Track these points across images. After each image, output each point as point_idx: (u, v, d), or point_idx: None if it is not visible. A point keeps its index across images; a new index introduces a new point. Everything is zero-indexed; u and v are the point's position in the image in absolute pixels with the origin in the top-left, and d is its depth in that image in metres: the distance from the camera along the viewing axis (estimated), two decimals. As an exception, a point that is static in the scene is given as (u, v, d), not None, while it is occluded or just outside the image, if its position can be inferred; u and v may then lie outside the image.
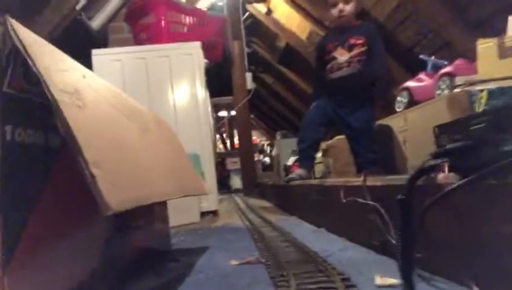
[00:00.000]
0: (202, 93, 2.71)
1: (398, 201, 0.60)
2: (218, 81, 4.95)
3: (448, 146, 0.57)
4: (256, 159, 8.85)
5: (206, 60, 2.77)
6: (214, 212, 2.61)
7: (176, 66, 2.64)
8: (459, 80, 2.49)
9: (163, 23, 2.89)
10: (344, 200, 1.14)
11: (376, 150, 2.17)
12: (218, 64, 4.69)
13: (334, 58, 2.18)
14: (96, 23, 3.29)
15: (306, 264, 0.89)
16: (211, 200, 2.64)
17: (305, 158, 2.21)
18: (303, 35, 5.00)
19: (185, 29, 3.21)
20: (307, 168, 2.21)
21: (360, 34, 2.14)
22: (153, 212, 1.03)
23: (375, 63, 2.12)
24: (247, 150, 4.67)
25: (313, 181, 1.67)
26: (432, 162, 0.60)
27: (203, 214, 2.55)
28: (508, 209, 0.51)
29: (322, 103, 2.23)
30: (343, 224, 1.28)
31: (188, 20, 3.25)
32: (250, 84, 4.39)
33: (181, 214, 2.24)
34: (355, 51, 2.13)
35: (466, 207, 0.59)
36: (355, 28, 2.20)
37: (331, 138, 3.45)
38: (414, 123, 2.75)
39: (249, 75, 4.42)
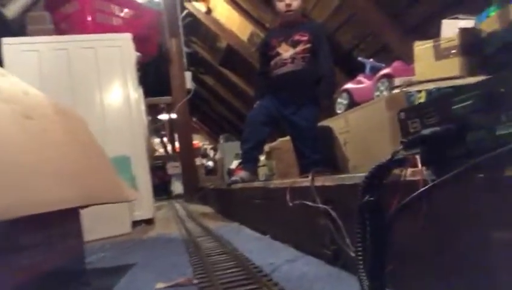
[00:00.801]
0: (134, 89, 2.47)
1: (364, 204, 0.48)
2: (157, 80, 4.68)
3: (424, 132, 0.46)
4: (199, 163, 8.63)
5: (138, 54, 2.53)
6: (149, 221, 2.38)
7: (103, 59, 2.38)
8: (397, 81, 2.53)
9: (87, 11, 2.59)
10: (291, 204, 1.01)
11: (320, 150, 2.09)
12: (156, 62, 4.43)
13: (278, 54, 2.08)
14: (10, 10, 2.89)
15: (247, 284, 0.74)
16: (146, 207, 2.40)
17: (249, 160, 2.08)
18: (244, 36, 4.91)
19: (115, 20, 2.94)
20: (251, 170, 2.07)
21: (305, 30, 2.06)
22: (55, 226, 0.82)
23: (320, 61, 2.05)
24: (188, 153, 4.44)
25: (256, 183, 1.54)
26: (405, 153, 0.48)
27: (136, 224, 2.31)
28: (501, 212, 0.40)
29: (266, 102, 2.11)
30: (291, 230, 1.15)
31: (118, 10, 2.99)
32: (189, 83, 4.19)
33: (108, 225, 1.99)
34: (300, 48, 2.04)
35: (444, 209, 0.47)
36: (301, 24, 2.12)
37: (274, 139, 3.38)
38: (355, 124, 2.75)
39: (188, 74, 4.21)
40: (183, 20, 5.17)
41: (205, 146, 10.93)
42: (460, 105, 0.42)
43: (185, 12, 5.30)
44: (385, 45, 3.34)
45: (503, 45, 1.97)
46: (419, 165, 0.47)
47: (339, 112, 3.08)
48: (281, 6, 2.05)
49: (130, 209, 2.23)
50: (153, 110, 7.60)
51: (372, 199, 0.49)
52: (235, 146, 4.46)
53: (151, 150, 6.57)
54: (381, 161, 0.53)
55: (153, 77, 4.91)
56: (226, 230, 1.56)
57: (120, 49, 2.46)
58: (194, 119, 11.15)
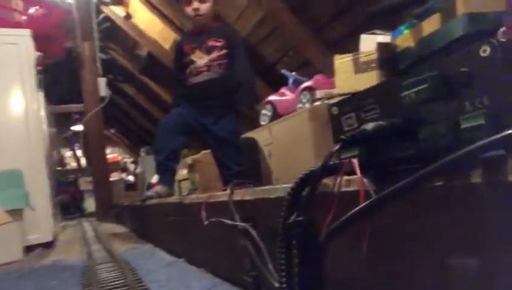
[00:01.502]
0: (33, 94, 2.14)
1: (290, 224, 0.35)
2: (71, 86, 4.24)
3: (365, 126, 0.35)
4: (118, 178, 8.07)
5: (39, 53, 2.22)
6: (48, 245, 2.05)
7: (-4, 56, 2.05)
8: (318, 93, 2.56)
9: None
10: (206, 222, 0.87)
11: (242, 162, 1.98)
12: (70, 67, 4.02)
13: (193, 61, 1.94)
14: None
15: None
16: (44, 229, 2.07)
17: (164, 172, 1.88)
18: (166, 44, 4.70)
19: (17, 16, 2.60)
20: (167, 184, 1.87)
21: (219, 36, 1.95)
22: None
23: (237, 68, 1.94)
24: (100, 166, 4.05)
25: (171, 199, 1.36)
26: (340, 157, 0.37)
27: (32, 248, 1.97)
28: (468, 231, 0.30)
29: (182, 109, 1.95)
30: (208, 253, 1.00)
31: (22, 6, 2.64)
32: (104, 90, 3.85)
33: (-9, 252, 1.65)
34: (215, 54, 1.92)
35: (393, 230, 0.37)
36: (214, 29, 2.00)
37: (198, 152, 3.22)
38: (278, 136, 2.72)
39: (102, 80, 3.87)
40: (100, 25, 4.83)
41: (125, 159, 10.32)
42: (410, 91, 0.32)
43: (102, 16, 4.95)
44: (307, 59, 3.40)
45: (415, 60, 2.07)
46: (358, 171, 0.36)
47: (263, 123, 3.04)
48: (189, 11, 1.92)
49: (23, 233, 1.89)
50: (65, 119, 6.93)
51: (300, 217, 0.37)
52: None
53: (56, 163, 5.97)
54: (312, 168, 0.41)
55: (67, 83, 4.46)
56: (135, 254, 1.36)
57: (17, 47, 2.12)
58: (113, 131, 10.50)
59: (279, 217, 0.45)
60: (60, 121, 5.79)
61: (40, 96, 2.32)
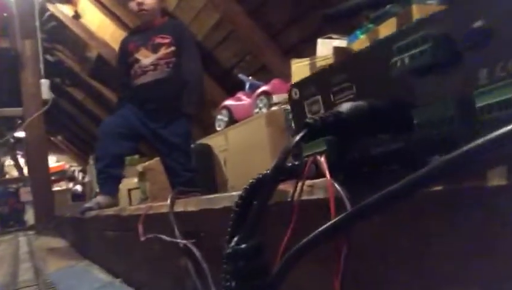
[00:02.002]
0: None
1: (233, 254, 0.25)
2: (13, 89, 3.87)
3: (341, 108, 0.25)
4: (65, 187, 7.61)
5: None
6: (-32, 266, 1.79)
7: None
8: (275, 98, 2.50)
9: None
10: (142, 238, 0.74)
11: (193, 168, 1.85)
12: (11, 68, 3.68)
13: (137, 60, 1.78)
14: None
15: None
16: (-37, 247, 1.80)
17: (105, 180, 1.70)
18: (118, 46, 4.47)
19: None
20: (110, 194, 1.69)
21: (166, 32, 1.81)
22: None
23: (184, 66, 1.80)
24: (41, 175, 3.71)
25: (109, 211, 1.20)
26: (301, 155, 0.27)
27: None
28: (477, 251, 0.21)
29: (127, 110, 1.78)
30: (147, 273, 0.87)
31: None
32: (46, 93, 3.55)
33: None
34: (162, 52, 1.77)
35: (377, 253, 0.27)
36: (160, 25, 1.86)
37: (151, 158, 3.04)
38: (234, 142, 2.62)
39: (45, 82, 3.57)
40: (46, 24, 4.52)
41: (73, 168, 9.75)
42: (400, 57, 0.23)
43: (47, 14, 4.64)
44: (264, 63, 3.34)
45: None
46: (327, 172, 0.26)
47: (218, 129, 2.92)
48: (132, 5, 1.77)
49: None
50: (5, 124, 6.40)
51: (244, 241, 0.26)
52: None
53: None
54: (265, 172, 0.31)
55: (7, 85, 4.07)
56: (66, 274, 1.18)
57: None
58: (60, 138, 9.92)
59: (225, 235, 0.34)
60: None
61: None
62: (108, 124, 1.77)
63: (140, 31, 1.89)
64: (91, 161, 5.85)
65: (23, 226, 6.02)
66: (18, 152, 8.06)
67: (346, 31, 2.11)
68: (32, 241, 2.76)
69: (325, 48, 2.26)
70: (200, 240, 0.59)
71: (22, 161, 8.07)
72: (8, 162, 8.19)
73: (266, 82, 2.66)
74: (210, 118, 3.30)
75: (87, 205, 1.67)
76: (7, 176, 7.93)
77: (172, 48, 1.78)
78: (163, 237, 0.64)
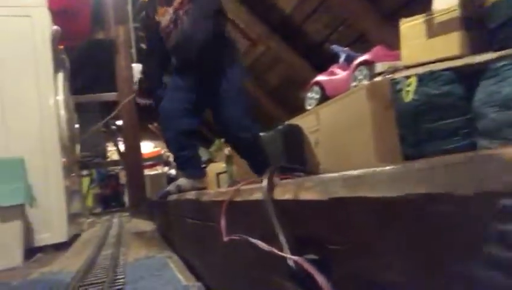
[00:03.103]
0: (48, 74, 1.88)
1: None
2: (107, 78, 4.00)
3: None
4: (161, 171, 7.95)
5: (55, 27, 1.94)
6: (61, 246, 1.77)
7: (4, 32, 1.80)
8: (379, 67, 2.11)
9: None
10: (225, 239, 0.48)
11: (255, 126, 1.58)
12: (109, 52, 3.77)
13: (158, 23, 1.56)
14: None
15: None
16: (56, 228, 1.80)
17: (186, 163, 1.50)
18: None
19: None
20: (194, 176, 1.50)
21: None
22: None
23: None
24: (133, 159, 3.80)
25: (189, 195, 1.00)
26: None
27: (43, 250, 1.68)
28: None
29: (175, 84, 1.54)
30: (233, 282, 0.62)
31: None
32: (138, 77, 3.58)
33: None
34: (176, 2, 1.50)
35: None
36: None
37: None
38: (328, 121, 2.31)
39: (137, 66, 3.60)
40: (139, 14, 4.63)
41: (168, 153, 10.28)
42: None
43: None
44: (361, 33, 2.92)
45: (510, 17, 1.58)
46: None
47: (308, 107, 2.62)
48: None
49: (27, 233, 1.61)
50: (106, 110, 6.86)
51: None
52: (201, 152, 3.87)
53: (98, 156, 5.86)
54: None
55: (106, 74, 4.22)
56: (143, 267, 1.02)
57: (30, 20, 1.87)
58: (156, 124, 10.48)
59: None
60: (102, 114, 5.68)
61: (60, 78, 2.05)
62: (170, 105, 1.51)
63: None
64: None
65: (122, 207, 6.39)
66: (119, 139, 8.69)
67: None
68: (123, 224, 2.79)
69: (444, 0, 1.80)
70: (327, 255, 0.31)
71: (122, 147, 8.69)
72: (111, 147, 8.87)
73: (365, 52, 2.28)
74: (297, 100, 3.01)
75: (167, 188, 1.51)
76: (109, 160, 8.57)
77: None
78: (257, 242, 0.38)
